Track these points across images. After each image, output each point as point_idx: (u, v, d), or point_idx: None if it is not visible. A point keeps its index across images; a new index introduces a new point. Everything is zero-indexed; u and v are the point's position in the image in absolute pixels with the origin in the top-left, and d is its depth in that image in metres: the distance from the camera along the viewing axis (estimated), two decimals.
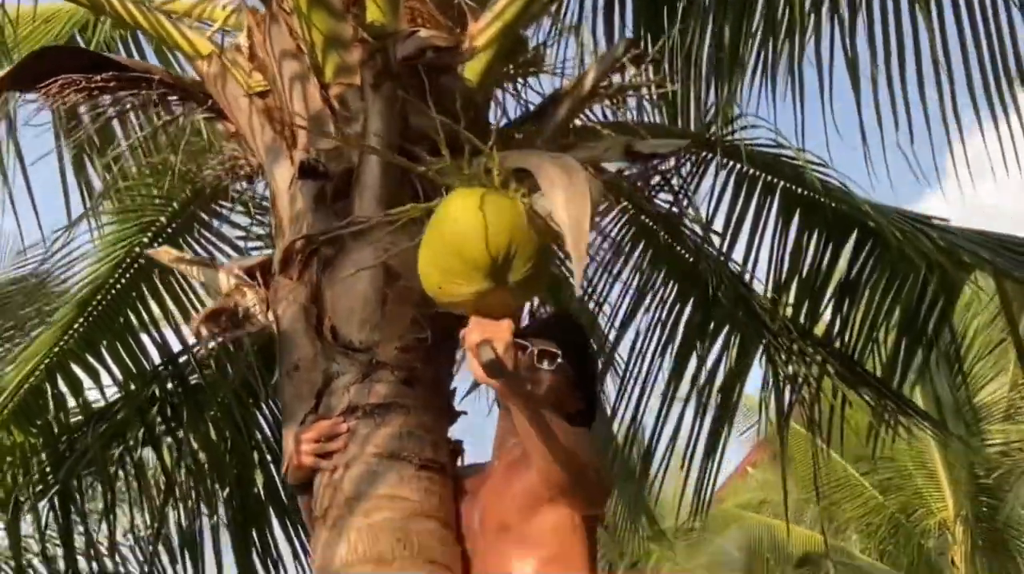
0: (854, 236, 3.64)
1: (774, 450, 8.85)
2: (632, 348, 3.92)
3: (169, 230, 3.45)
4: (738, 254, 3.71)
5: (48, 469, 3.84)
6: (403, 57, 2.22)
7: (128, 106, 2.50)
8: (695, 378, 3.89)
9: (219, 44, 2.45)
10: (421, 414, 2.03)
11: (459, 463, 2.14)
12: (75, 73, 2.23)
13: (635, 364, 3.92)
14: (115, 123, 3.27)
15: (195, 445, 4.01)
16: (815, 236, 3.62)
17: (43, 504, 3.92)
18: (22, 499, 3.85)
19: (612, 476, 2.21)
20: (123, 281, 3.54)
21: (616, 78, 2.68)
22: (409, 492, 1.94)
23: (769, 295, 3.65)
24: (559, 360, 1.95)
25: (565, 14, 3.17)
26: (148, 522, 4.12)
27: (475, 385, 2.42)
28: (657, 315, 3.84)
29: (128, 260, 3.51)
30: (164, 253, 2.51)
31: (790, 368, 3.68)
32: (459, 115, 2.29)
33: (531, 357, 1.95)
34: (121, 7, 2.51)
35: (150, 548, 4.11)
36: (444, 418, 2.11)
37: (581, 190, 1.68)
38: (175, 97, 2.43)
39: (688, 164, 3.39)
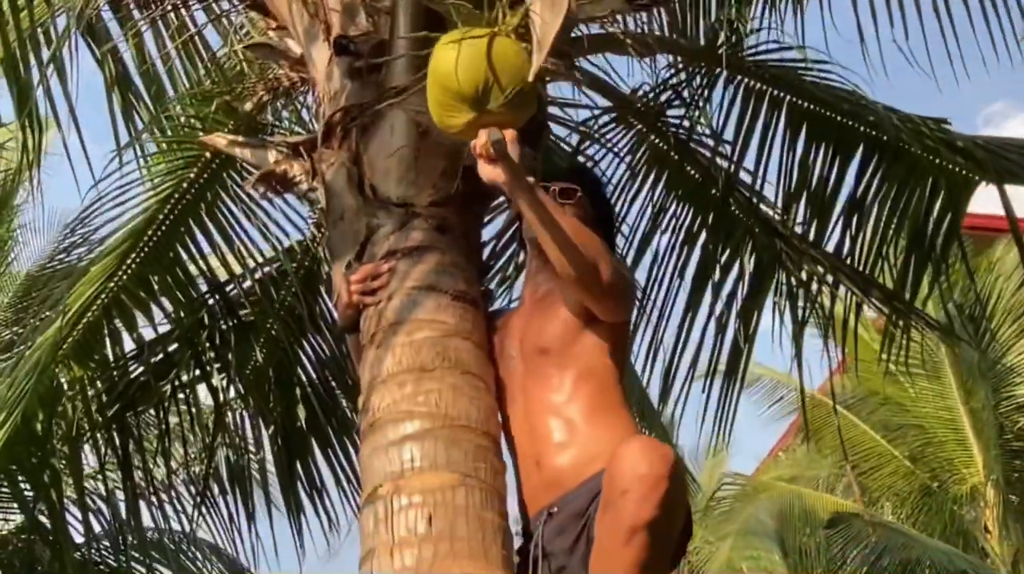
0: (860, 151, 3.80)
1: (807, 426, 8.98)
2: (649, 273, 4.08)
3: (214, 164, 3.69)
4: (749, 172, 3.88)
5: (105, 402, 4.08)
6: None
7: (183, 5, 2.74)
8: (714, 298, 4.04)
9: None
10: (454, 254, 2.24)
11: (490, 305, 2.35)
12: None
13: (653, 288, 4.09)
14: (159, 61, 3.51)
15: (240, 387, 4.25)
16: (822, 150, 3.79)
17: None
18: (82, 432, 4.08)
19: (631, 278, 2.38)
20: (173, 215, 3.78)
21: None
22: (446, 317, 2.15)
23: (779, 207, 3.83)
24: (579, 194, 2.16)
25: None
26: (199, 456, 4.37)
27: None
28: (673, 238, 4.01)
29: (176, 195, 3.75)
30: (219, 138, 2.76)
31: (803, 274, 3.83)
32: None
33: (553, 194, 2.16)
34: None
35: (201, 482, 4.36)
36: (475, 262, 2.32)
37: (559, 2, 1.88)
38: None
39: (697, 78, 3.58)
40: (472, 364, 2.12)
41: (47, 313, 3.82)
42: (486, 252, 2.83)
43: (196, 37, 3.37)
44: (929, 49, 3.22)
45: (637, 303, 2.50)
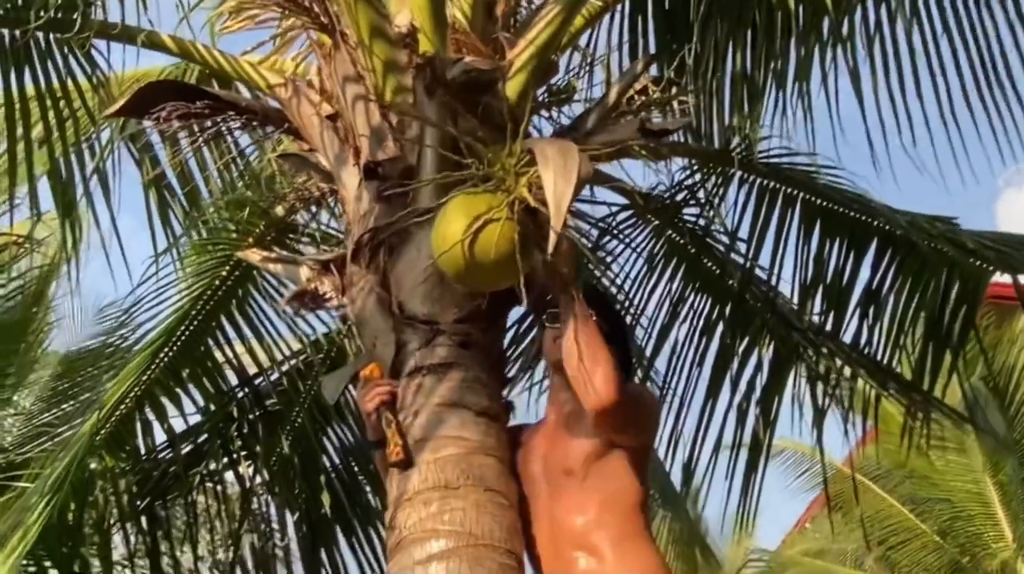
0: (874, 244, 3.88)
1: (830, 500, 8.90)
2: (669, 363, 4.15)
3: (245, 263, 3.82)
4: (763, 269, 3.97)
5: (135, 492, 4.16)
6: (451, 77, 2.58)
7: (222, 130, 2.90)
8: (733, 388, 4.10)
9: (292, 79, 2.85)
10: (477, 370, 2.33)
11: (511, 418, 2.43)
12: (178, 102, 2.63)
13: (673, 377, 4.15)
14: (195, 166, 3.69)
15: (266, 475, 4.34)
16: (836, 244, 3.88)
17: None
18: (112, 522, 4.17)
19: (650, 398, 2.46)
20: (204, 312, 3.91)
21: (641, 98, 3.03)
22: (470, 434, 2.23)
23: (795, 301, 3.90)
24: (594, 318, 2.25)
25: (592, 45, 3.54)
26: (225, 544, 4.43)
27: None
28: (692, 327, 4.09)
29: (208, 292, 3.88)
30: (253, 254, 2.89)
31: (821, 367, 3.88)
32: (503, 126, 2.67)
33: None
34: (207, 54, 2.93)
35: (228, 569, 4.41)
36: (497, 376, 2.41)
37: (570, 167, 2.00)
38: (257, 122, 2.82)
39: (712, 178, 3.69)
40: (495, 481, 2.19)
41: (84, 408, 3.93)
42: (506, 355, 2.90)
43: (231, 147, 3.53)
44: (936, 151, 3.30)
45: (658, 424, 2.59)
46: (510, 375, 2.54)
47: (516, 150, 2.14)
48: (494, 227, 2.07)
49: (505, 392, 2.48)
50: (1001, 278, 3.96)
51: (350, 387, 4.21)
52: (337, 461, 4.35)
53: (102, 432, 3.98)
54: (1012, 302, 9.08)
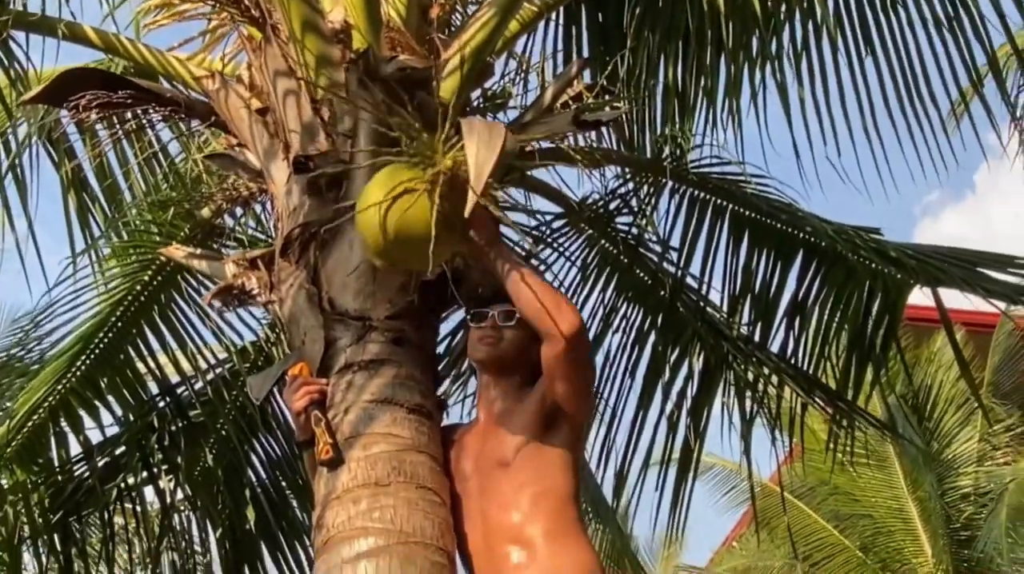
0: (800, 255, 3.95)
1: (757, 515, 9.00)
2: (601, 373, 4.15)
3: (169, 267, 3.71)
4: (695, 277, 4.02)
5: (48, 507, 3.98)
6: (384, 73, 2.56)
7: (145, 122, 2.81)
8: (664, 397, 4.12)
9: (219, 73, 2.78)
10: (410, 367, 2.29)
11: (444, 416, 2.39)
12: (99, 91, 2.54)
13: (605, 386, 4.16)
14: (116, 165, 3.57)
15: (188, 489, 4.20)
16: (764, 255, 3.94)
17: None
18: (23, 538, 3.98)
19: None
20: (125, 317, 3.77)
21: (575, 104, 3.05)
22: (401, 430, 2.18)
23: (725, 310, 3.95)
24: (517, 316, 2.23)
25: (528, 52, 3.56)
26: (143, 560, 4.26)
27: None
28: (624, 338, 4.11)
29: (129, 298, 3.76)
30: (176, 250, 2.79)
31: (750, 375, 3.93)
32: (436, 125, 2.65)
33: (493, 318, 2.25)
34: (133, 48, 2.85)
35: None
36: (430, 373, 2.37)
37: (495, 137, 1.99)
38: (182, 114, 2.74)
39: (645, 187, 3.72)
40: (428, 478, 2.14)
41: None
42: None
43: (154, 142, 3.43)
44: (860, 162, 3.39)
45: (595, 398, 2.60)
46: (442, 374, 2.48)
47: (446, 132, 2.12)
48: (409, 198, 2.04)
49: (440, 391, 2.44)
50: (917, 300, 4.08)
51: (278, 397, 4.14)
52: (263, 474, 4.23)
53: (13, 444, 3.81)
54: (928, 323, 9.40)
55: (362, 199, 2.13)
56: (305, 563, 4.20)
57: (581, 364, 2.18)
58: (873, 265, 3.77)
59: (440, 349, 2.76)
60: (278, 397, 4.08)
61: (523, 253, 3.87)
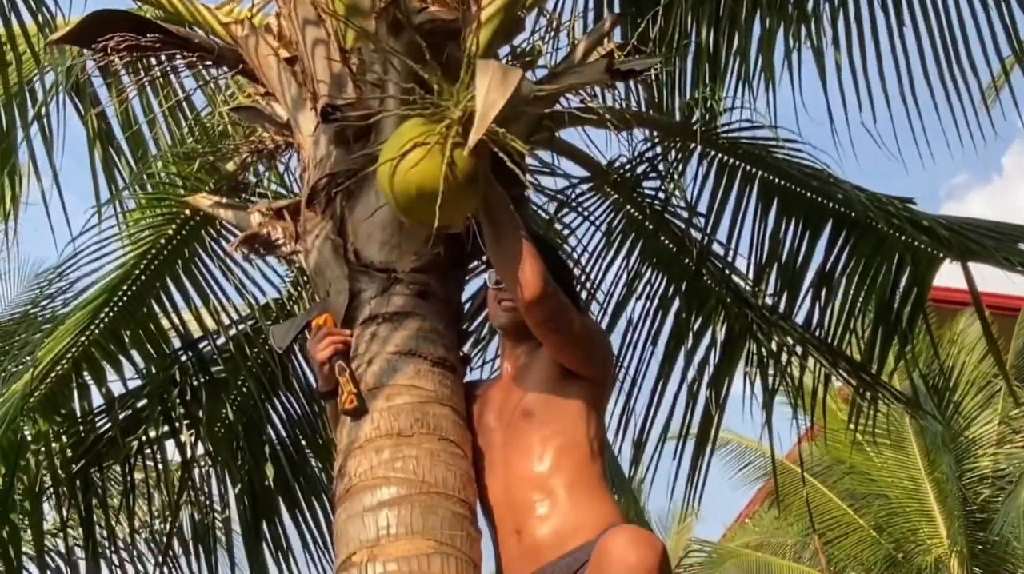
0: (829, 225, 3.89)
1: (770, 494, 8.98)
2: (624, 338, 4.13)
3: (193, 221, 3.70)
4: (721, 244, 3.97)
5: (70, 458, 4.01)
6: (415, 23, 2.52)
7: (172, 68, 2.79)
8: (686, 365, 4.09)
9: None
10: (434, 321, 2.27)
11: (467, 373, 2.37)
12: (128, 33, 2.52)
13: (627, 353, 4.13)
14: (142, 117, 3.55)
15: (209, 444, 4.21)
16: (792, 224, 3.89)
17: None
18: (45, 488, 4.01)
19: (601, 331, 2.36)
20: (149, 270, 3.77)
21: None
22: (424, 382, 2.17)
23: (751, 279, 3.90)
24: None
25: (558, 6, 3.50)
26: (163, 514, 4.30)
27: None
28: (647, 305, 4.07)
29: (153, 251, 3.75)
30: (203, 198, 2.78)
31: (774, 345, 3.89)
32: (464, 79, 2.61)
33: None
34: None
35: (164, 541, 4.28)
36: (453, 328, 2.35)
37: (509, 80, 1.92)
38: (211, 61, 2.72)
39: (673, 152, 3.68)
40: (450, 430, 2.13)
41: (17, 366, 3.78)
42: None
43: (179, 91, 3.41)
44: (896, 131, 3.33)
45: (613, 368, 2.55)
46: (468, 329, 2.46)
47: (469, 81, 2.07)
48: (421, 152, 1.96)
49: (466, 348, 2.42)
50: (939, 281, 4.02)
51: (299, 354, 4.14)
52: (283, 432, 4.24)
53: (36, 394, 3.82)
54: (951, 304, 9.31)
55: (381, 156, 2.09)
56: (323, 520, 4.22)
57: (558, 328, 2.12)
58: (904, 237, 3.72)
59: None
60: (299, 355, 4.10)
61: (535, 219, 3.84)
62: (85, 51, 2.65)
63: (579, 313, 2.21)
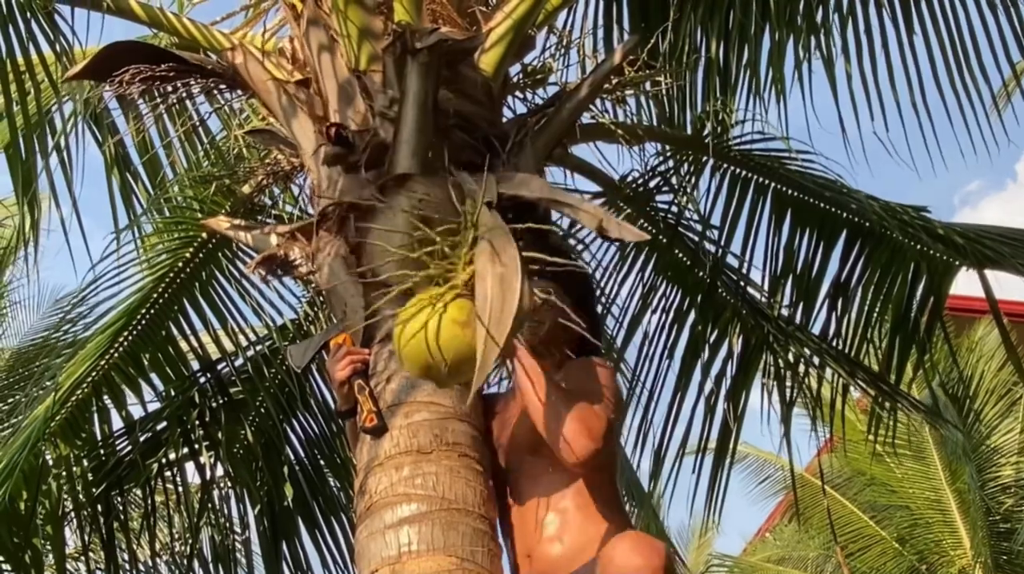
0: (843, 235, 3.89)
1: (791, 507, 8.91)
2: (640, 352, 4.13)
3: (210, 244, 3.74)
4: (736, 256, 3.97)
5: (91, 482, 4.03)
6: (426, 46, 2.54)
7: (187, 95, 2.83)
8: (703, 377, 4.08)
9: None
10: None
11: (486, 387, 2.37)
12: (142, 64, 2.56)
13: (643, 366, 4.13)
14: (159, 142, 3.60)
15: (228, 465, 4.23)
16: (807, 235, 3.88)
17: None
18: (66, 512, 4.03)
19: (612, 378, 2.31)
20: (167, 294, 3.81)
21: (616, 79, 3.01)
22: (443, 399, 2.18)
23: (766, 291, 3.90)
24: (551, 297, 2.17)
25: (568, 24, 3.52)
26: (183, 536, 4.31)
27: None
28: (663, 318, 4.07)
29: (171, 274, 3.79)
30: (221, 221, 2.81)
31: (791, 356, 3.88)
32: (478, 98, 2.64)
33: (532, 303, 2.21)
34: (177, 22, 2.86)
35: (185, 563, 4.29)
36: None
37: (507, 312, 1.86)
38: (225, 85, 2.75)
39: (685, 165, 3.69)
40: (469, 446, 2.14)
41: (39, 391, 3.81)
42: None
43: (195, 116, 3.45)
44: (908, 139, 3.33)
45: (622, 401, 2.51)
46: None
47: (468, 239, 2.02)
48: (427, 320, 1.91)
49: None
50: (956, 290, 4.00)
51: (316, 375, 4.16)
52: (301, 452, 4.26)
53: (57, 418, 3.85)
54: (968, 313, 9.24)
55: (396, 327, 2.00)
56: (342, 539, 4.22)
57: (596, 463, 2.07)
58: (919, 246, 3.71)
59: None
60: (316, 374, 4.12)
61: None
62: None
63: (599, 419, 2.08)
